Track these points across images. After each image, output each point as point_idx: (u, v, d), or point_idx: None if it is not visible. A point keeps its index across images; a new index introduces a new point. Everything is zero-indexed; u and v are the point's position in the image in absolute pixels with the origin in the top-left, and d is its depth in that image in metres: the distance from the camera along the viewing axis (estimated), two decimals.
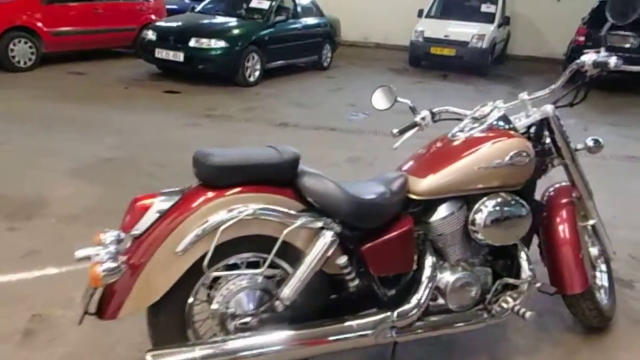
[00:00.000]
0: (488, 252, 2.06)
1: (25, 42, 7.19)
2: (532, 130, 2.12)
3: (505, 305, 1.96)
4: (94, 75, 7.41)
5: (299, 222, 1.65)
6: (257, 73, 7.60)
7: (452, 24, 10.32)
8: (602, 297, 2.39)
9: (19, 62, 7.15)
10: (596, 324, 2.31)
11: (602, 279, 2.50)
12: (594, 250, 2.38)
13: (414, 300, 1.83)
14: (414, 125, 2.22)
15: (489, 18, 10.43)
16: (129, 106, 5.93)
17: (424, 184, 1.85)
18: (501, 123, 2.02)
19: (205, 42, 7.01)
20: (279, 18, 7.96)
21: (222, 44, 7.04)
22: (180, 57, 7.02)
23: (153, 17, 8.88)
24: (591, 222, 2.29)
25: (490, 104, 2.09)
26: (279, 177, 1.68)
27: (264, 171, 1.65)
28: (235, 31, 7.40)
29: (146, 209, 1.58)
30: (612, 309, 2.41)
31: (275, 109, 6.41)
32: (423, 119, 2.21)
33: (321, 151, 4.69)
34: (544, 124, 2.10)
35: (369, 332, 1.75)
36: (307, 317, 1.75)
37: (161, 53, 7.13)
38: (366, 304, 1.84)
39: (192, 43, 7.02)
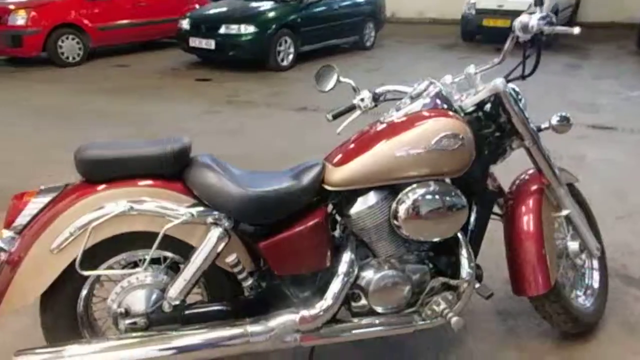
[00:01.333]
0: (429, 247, 1.83)
1: (73, 38, 7.59)
2: (485, 109, 1.85)
3: (435, 308, 1.73)
4: (135, 67, 7.69)
5: (182, 218, 1.54)
6: (290, 57, 7.50)
7: None
8: (582, 299, 2.07)
9: (67, 57, 7.58)
10: (570, 329, 2.00)
11: (588, 277, 2.17)
12: (573, 245, 2.05)
13: (321, 302, 1.66)
14: (352, 107, 2.01)
15: None
16: (156, 96, 6.07)
17: (337, 174, 1.66)
18: (437, 101, 1.76)
19: (234, 28, 7.00)
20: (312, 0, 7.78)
21: (251, 29, 7.00)
22: (211, 44, 7.08)
23: (197, 6, 9.03)
24: (564, 212, 1.97)
25: (428, 80, 1.84)
26: (163, 170, 1.58)
27: (143, 164, 1.55)
28: (265, 15, 7.32)
29: (25, 205, 1.55)
30: (595, 314, 2.08)
31: (300, 93, 6.28)
32: (362, 100, 1.99)
33: (331, 133, 4.52)
34: (495, 101, 1.82)
35: (265, 335, 1.61)
36: (212, 317, 1.66)
37: (195, 42, 7.24)
38: (278, 305, 1.70)
39: (222, 30, 7.05)
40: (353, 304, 1.75)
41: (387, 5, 12.05)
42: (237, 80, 6.92)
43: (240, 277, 1.62)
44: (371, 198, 1.69)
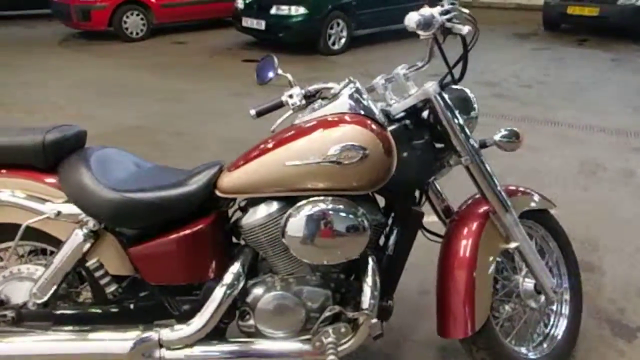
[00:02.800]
0: (340, 269, 1.61)
1: (137, 14, 7.88)
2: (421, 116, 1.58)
3: (324, 340, 1.52)
4: (191, 44, 7.85)
5: (46, 214, 1.46)
6: (342, 41, 7.25)
7: None
8: (531, 353, 1.74)
9: (131, 33, 7.90)
10: None
11: (550, 325, 1.82)
12: (527, 284, 1.72)
13: (195, 318, 1.51)
14: (280, 104, 1.81)
15: None
16: (199, 74, 6.14)
17: (227, 180, 1.49)
18: (351, 104, 1.51)
19: (285, 9, 6.88)
20: None
21: (302, 10, 6.84)
22: (262, 25, 7.02)
23: None
24: (512, 245, 1.64)
25: (348, 79, 1.60)
26: (34, 161, 1.50)
27: (13, 154, 1.49)
28: None
29: None
30: None
31: (337, 79, 6.02)
32: (290, 97, 1.78)
33: None
34: (429, 111, 1.54)
35: (125, 345, 1.50)
36: (86, 320, 1.58)
37: (247, 22, 7.22)
38: (155, 316, 1.59)
39: (273, 10, 6.95)
40: (241, 322, 1.59)
41: None
42: (283, 63, 6.58)
43: (102, 282, 1.51)
44: (264, 209, 1.50)
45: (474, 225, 1.63)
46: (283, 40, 7.09)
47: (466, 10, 1.46)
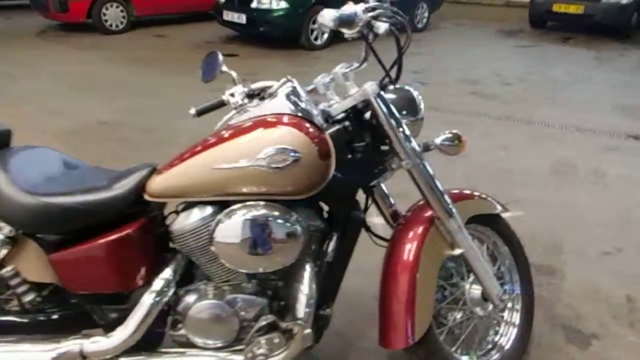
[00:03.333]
0: (279, 277, 1.55)
1: (117, 7, 7.74)
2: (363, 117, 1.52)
3: (256, 351, 1.46)
4: (171, 38, 7.72)
5: None
6: (325, 36, 7.16)
7: None
8: (475, 358, 1.69)
9: (111, 25, 7.76)
10: None
11: (498, 333, 1.77)
12: (474, 291, 1.67)
13: (121, 328, 1.44)
14: (221, 103, 1.73)
15: None
16: (177, 68, 6.03)
17: (156, 183, 1.42)
18: (287, 104, 1.44)
19: (266, 3, 6.78)
20: None
21: (283, 4, 6.74)
22: (242, 19, 6.92)
23: None
24: (457, 251, 1.59)
25: (285, 78, 1.53)
26: None
27: None
28: None
29: None
30: None
31: (318, 74, 5.96)
32: (232, 95, 1.70)
33: None
34: (372, 112, 1.48)
35: (47, 356, 1.43)
36: (12, 330, 1.50)
37: (228, 15, 7.11)
38: (82, 326, 1.51)
39: (254, 4, 6.85)
40: (172, 331, 1.52)
41: None
42: (264, 57, 6.72)
43: (18, 290, 1.44)
44: (195, 214, 1.43)
45: (419, 230, 1.58)
46: (264, 35, 6.99)
47: (394, 9, 1.39)
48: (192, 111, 1.73)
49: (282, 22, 6.83)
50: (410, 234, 1.58)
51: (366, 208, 1.64)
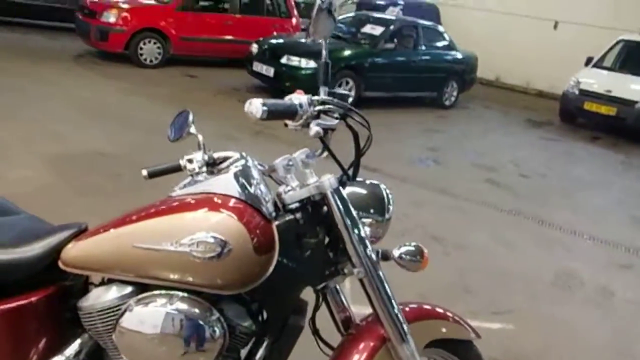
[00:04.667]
0: None
1: (154, 43, 7.96)
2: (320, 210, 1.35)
3: None
4: (201, 79, 7.85)
5: None
6: (349, 100, 7.13)
7: (623, 78, 8.40)
8: None
9: (145, 59, 7.95)
10: None
11: None
12: None
13: None
14: (177, 168, 1.59)
15: None
16: (195, 110, 5.97)
17: (72, 250, 1.27)
18: (230, 186, 1.29)
19: (295, 60, 6.86)
20: (387, 46, 7.41)
21: (312, 64, 6.80)
22: (270, 72, 7.00)
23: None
24: None
25: (239, 155, 1.38)
26: None
27: None
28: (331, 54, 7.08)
29: None
30: None
31: (339, 139, 5.87)
32: (190, 161, 1.56)
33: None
34: (321, 203, 1.32)
35: None
36: None
37: (257, 66, 7.21)
38: None
39: (284, 60, 6.93)
40: None
41: (492, 68, 11.34)
42: None
43: None
44: (107, 293, 1.26)
45: (366, 349, 1.36)
46: (289, 90, 7.01)
47: (357, 110, 1.26)
48: (144, 172, 1.60)
49: (308, 81, 6.85)
50: (356, 350, 1.37)
51: (316, 308, 1.45)
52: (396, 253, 1.32)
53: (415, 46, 7.91)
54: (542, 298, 3.01)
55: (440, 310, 1.53)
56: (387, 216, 1.44)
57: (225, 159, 1.56)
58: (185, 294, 1.22)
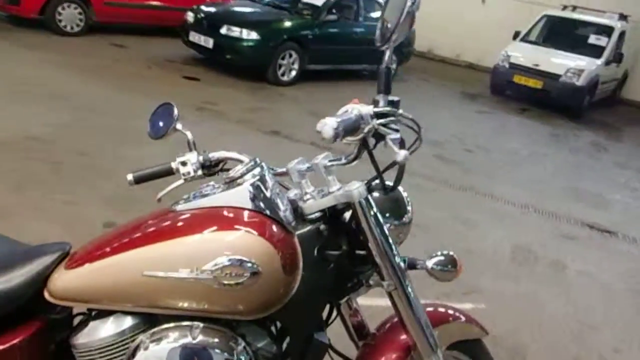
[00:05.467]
0: None
1: (75, 7, 7.23)
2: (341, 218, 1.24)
3: None
4: (131, 50, 7.27)
5: None
6: (293, 73, 6.96)
7: (548, 53, 8.84)
8: None
9: (65, 26, 7.21)
10: None
11: None
12: None
13: None
14: (169, 172, 1.40)
15: (596, 52, 8.78)
16: (130, 85, 5.60)
17: (62, 280, 1.08)
18: (249, 197, 1.15)
19: (236, 31, 6.51)
20: (330, 17, 7.24)
21: (254, 35, 6.50)
22: (209, 43, 6.60)
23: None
24: None
25: (250, 159, 1.23)
26: None
27: None
28: (272, 24, 6.82)
29: None
30: None
31: (283, 114, 5.74)
32: (183, 164, 1.38)
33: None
34: (352, 213, 1.21)
35: None
36: None
37: (194, 37, 6.77)
38: None
39: (223, 30, 6.56)
40: None
41: (425, 39, 11.48)
42: (226, 86, 6.41)
43: None
44: (108, 327, 1.10)
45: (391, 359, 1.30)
46: (230, 63, 6.70)
47: (409, 115, 1.14)
48: (130, 177, 1.39)
49: (251, 53, 6.57)
50: None
51: (328, 322, 1.36)
52: (429, 264, 1.24)
53: (356, 17, 7.80)
54: (504, 275, 3.13)
55: (453, 312, 1.50)
56: (405, 219, 1.36)
57: (223, 159, 1.41)
58: (205, 324, 1.09)
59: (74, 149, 3.74)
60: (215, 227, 1.08)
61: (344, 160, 1.20)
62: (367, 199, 1.19)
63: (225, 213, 1.11)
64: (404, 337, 1.34)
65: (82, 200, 3.07)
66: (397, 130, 1.10)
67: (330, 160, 1.22)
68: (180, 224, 1.10)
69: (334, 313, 1.36)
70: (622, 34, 9.08)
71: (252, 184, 1.14)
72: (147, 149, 4.21)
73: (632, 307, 3.10)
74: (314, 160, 1.22)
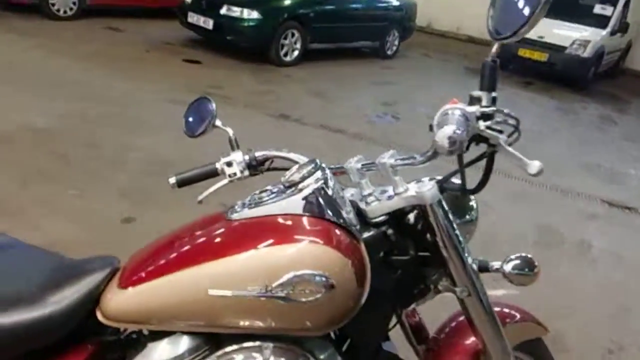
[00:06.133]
0: None
1: None
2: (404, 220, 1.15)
3: None
4: (128, 33, 7.06)
5: None
6: (295, 53, 6.79)
7: (552, 24, 8.64)
8: None
9: (58, 10, 6.98)
10: None
11: None
12: None
13: None
14: (213, 173, 1.30)
15: (601, 22, 8.62)
16: (131, 70, 5.43)
17: (117, 301, 0.99)
18: (314, 203, 1.05)
19: (237, 11, 6.31)
20: None
21: (255, 15, 6.30)
22: (209, 24, 6.41)
23: None
24: None
25: (314, 163, 1.13)
26: None
27: None
28: (273, 3, 6.61)
29: None
30: None
31: (290, 96, 5.59)
32: (229, 165, 1.28)
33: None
34: (417, 214, 1.12)
35: None
36: None
37: (193, 17, 6.57)
38: None
39: (223, 10, 6.36)
40: None
41: (424, 14, 11.25)
42: (229, 68, 6.24)
43: None
44: (168, 349, 1.01)
45: None
46: (231, 44, 6.52)
47: (505, 110, 1.03)
48: (172, 180, 1.30)
49: (252, 33, 6.39)
50: None
51: (389, 328, 1.28)
52: (508, 266, 1.16)
53: None
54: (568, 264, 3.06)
55: (517, 311, 1.42)
56: (471, 217, 1.27)
57: (270, 158, 1.31)
58: (274, 344, 1.00)
59: (79, 140, 3.62)
60: (283, 239, 0.99)
61: (419, 158, 1.09)
62: (440, 201, 1.10)
63: (291, 222, 1.01)
64: (469, 341, 1.27)
65: (93, 194, 2.96)
66: (501, 132, 1.00)
67: (396, 159, 1.12)
68: (243, 236, 1.01)
69: (394, 319, 1.29)
70: (627, 2, 8.90)
71: (317, 189, 1.05)
72: (155, 138, 4.11)
73: None
74: (380, 159, 1.12)
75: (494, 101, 1.01)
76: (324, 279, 0.95)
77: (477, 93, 1.01)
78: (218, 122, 1.30)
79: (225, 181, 1.29)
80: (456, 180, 1.18)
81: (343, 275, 0.98)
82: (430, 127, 1.00)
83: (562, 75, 8.38)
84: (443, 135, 0.94)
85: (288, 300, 0.95)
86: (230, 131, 1.32)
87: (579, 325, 2.53)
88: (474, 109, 0.98)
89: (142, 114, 4.32)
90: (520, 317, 1.40)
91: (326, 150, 4.15)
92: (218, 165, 1.28)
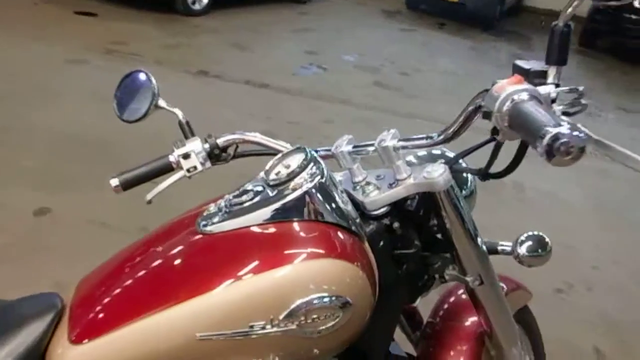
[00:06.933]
0: None
1: None
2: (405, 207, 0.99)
3: None
4: None
5: None
6: (205, 0, 6.22)
7: None
8: None
9: None
10: None
11: None
12: None
13: None
14: (167, 168, 1.04)
15: None
16: (18, 31, 4.66)
17: (71, 356, 0.75)
18: (311, 205, 0.85)
19: None
20: None
21: None
22: None
23: None
24: None
25: (301, 150, 0.92)
26: None
27: None
28: None
29: None
30: None
31: (206, 49, 5.14)
32: (186, 156, 1.03)
33: (228, 118, 3.52)
34: (420, 199, 0.97)
35: None
36: None
37: None
38: None
39: None
40: None
41: None
42: (130, 20, 5.58)
43: None
44: None
45: (465, 353, 1.14)
46: None
47: (581, 88, 0.87)
48: (115, 182, 1.02)
49: None
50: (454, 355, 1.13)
51: None
52: (520, 251, 1.05)
53: None
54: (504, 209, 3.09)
55: (506, 281, 1.35)
56: (466, 190, 1.14)
57: (233, 142, 1.09)
58: None
59: None
60: (279, 258, 0.79)
61: (436, 138, 0.92)
62: (452, 187, 0.94)
63: (283, 232, 0.82)
64: (469, 322, 1.18)
65: None
66: (574, 113, 0.84)
67: (400, 140, 0.94)
68: (229, 259, 0.80)
69: None
70: None
71: (315, 187, 0.85)
72: (60, 110, 3.55)
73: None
74: (380, 140, 0.93)
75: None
76: (339, 298, 0.78)
77: (534, 65, 0.83)
78: (162, 102, 1.03)
79: (181, 174, 1.04)
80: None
81: (357, 285, 0.82)
82: (485, 114, 0.82)
83: (472, 14, 8.52)
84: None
85: (300, 331, 0.77)
86: (179, 113, 1.06)
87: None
88: (549, 89, 0.80)
89: (41, 81, 3.72)
90: (510, 287, 1.33)
91: (257, 109, 3.87)
92: (172, 159, 1.02)
